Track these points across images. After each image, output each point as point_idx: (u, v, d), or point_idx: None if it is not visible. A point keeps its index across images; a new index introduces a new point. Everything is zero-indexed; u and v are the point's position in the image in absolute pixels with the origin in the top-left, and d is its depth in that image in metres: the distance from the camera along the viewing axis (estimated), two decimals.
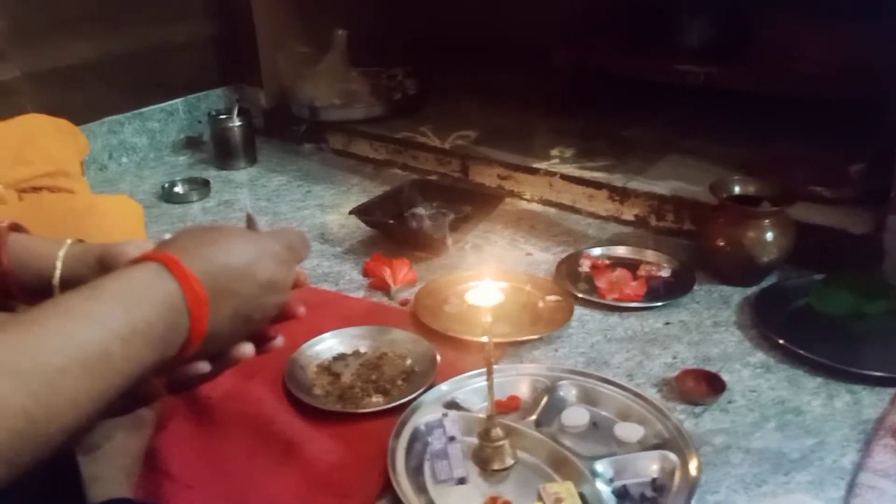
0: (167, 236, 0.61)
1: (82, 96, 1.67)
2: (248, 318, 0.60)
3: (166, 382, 0.59)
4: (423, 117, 1.85)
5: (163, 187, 1.64)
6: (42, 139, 1.27)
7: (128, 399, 0.54)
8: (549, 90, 1.84)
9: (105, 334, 0.47)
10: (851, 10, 1.40)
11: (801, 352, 1.00)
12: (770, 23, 1.57)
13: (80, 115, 1.60)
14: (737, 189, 1.21)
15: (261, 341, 0.64)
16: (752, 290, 1.17)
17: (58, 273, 0.67)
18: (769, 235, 1.14)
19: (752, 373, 0.99)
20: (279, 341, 0.66)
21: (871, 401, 0.93)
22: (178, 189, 1.64)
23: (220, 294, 0.56)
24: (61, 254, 0.68)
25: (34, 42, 1.57)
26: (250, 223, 0.71)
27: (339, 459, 0.85)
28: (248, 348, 0.62)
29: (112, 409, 0.50)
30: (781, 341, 1.02)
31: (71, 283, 0.67)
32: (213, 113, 1.80)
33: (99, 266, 0.67)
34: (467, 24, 2.07)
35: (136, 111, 1.80)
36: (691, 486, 0.77)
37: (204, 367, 0.59)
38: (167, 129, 1.87)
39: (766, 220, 1.15)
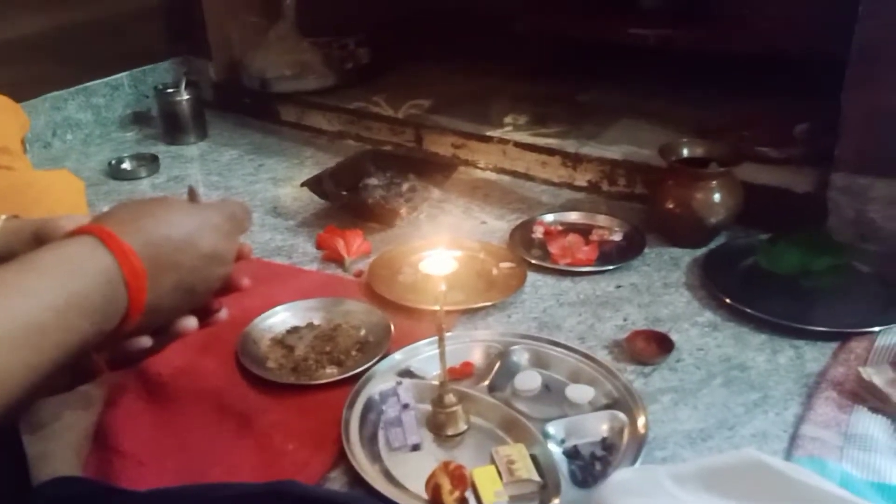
0: (105, 209, 0.60)
1: (23, 72, 1.62)
2: (190, 290, 0.59)
3: (108, 358, 0.58)
4: (376, 87, 1.83)
5: (110, 164, 1.60)
6: None
7: (68, 375, 0.53)
8: (507, 57, 1.84)
9: (38, 306, 0.47)
10: None
11: (747, 310, 1.02)
12: None
13: (22, 91, 1.55)
14: (685, 151, 1.23)
15: (204, 314, 0.64)
16: (701, 252, 1.19)
17: None
18: (717, 196, 1.16)
19: (699, 332, 1.01)
20: (223, 314, 0.66)
21: (814, 355, 0.95)
22: (126, 165, 1.60)
23: (159, 267, 0.55)
24: None
25: None
26: (192, 196, 0.70)
27: (294, 430, 0.85)
28: (191, 322, 0.61)
29: (51, 385, 0.50)
30: (728, 300, 1.05)
31: (6, 258, 0.64)
32: (161, 87, 1.76)
33: (35, 241, 0.65)
34: None
35: (79, 86, 1.75)
36: (639, 443, 0.79)
37: (146, 341, 0.58)
38: (113, 105, 1.83)
39: (714, 182, 1.17)
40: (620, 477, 0.68)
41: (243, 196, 1.47)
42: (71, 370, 0.51)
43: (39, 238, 0.65)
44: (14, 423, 0.68)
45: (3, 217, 0.68)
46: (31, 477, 0.67)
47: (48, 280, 0.48)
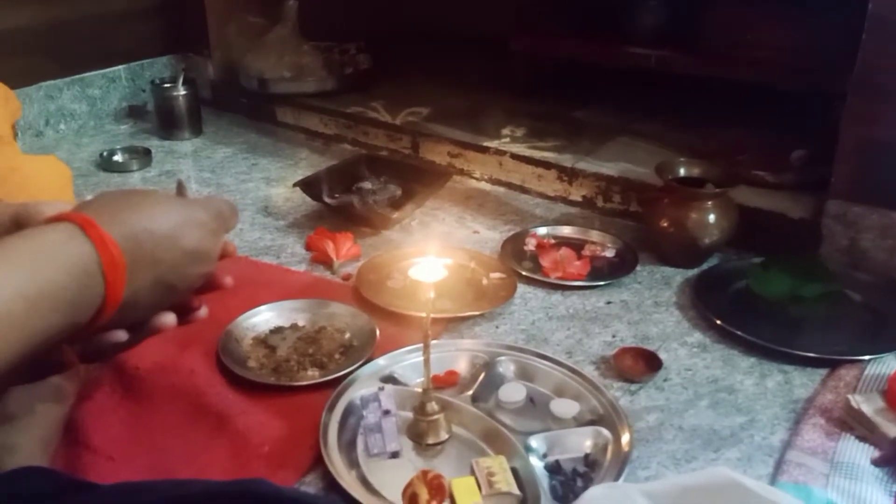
0: (88, 198, 0.59)
1: (19, 61, 1.60)
2: (170, 286, 0.57)
3: (80, 350, 0.56)
4: (375, 93, 1.82)
5: (101, 155, 1.59)
6: None
7: (36, 366, 0.51)
8: (504, 72, 1.84)
9: (5, 295, 0.45)
10: None
11: (737, 332, 1.01)
12: (721, 7, 1.59)
13: (17, 79, 1.53)
14: (682, 171, 1.22)
15: (184, 311, 0.62)
16: (693, 272, 1.18)
17: None
18: (711, 217, 1.15)
19: (688, 352, 1.00)
20: (203, 312, 0.64)
21: (803, 381, 0.94)
22: (118, 158, 1.59)
23: (139, 260, 0.54)
24: None
25: None
26: (181, 190, 0.69)
27: (271, 432, 0.83)
28: (169, 318, 0.59)
29: (18, 375, 0.48)
30: (718, 321, 1.04)
31: None
32: (158, 81, 1.75)
33: (13, 226, 0.64)
34: (424, 8, 2.04)
35: (75, 76, 1.73)
36: (622, 461, 0.78)
37: (121, 335, 0.56)
38: (109, 97, 1.81)
39: (709, 202, 1.16)
40: (593, 494, 0.67)
41: (234, 194, 1.45)
42: (41, 361, 0.49)
43: (18, 223, 0.64)
44: None
45: None
46: None
47: (19, 268, 0.46)
